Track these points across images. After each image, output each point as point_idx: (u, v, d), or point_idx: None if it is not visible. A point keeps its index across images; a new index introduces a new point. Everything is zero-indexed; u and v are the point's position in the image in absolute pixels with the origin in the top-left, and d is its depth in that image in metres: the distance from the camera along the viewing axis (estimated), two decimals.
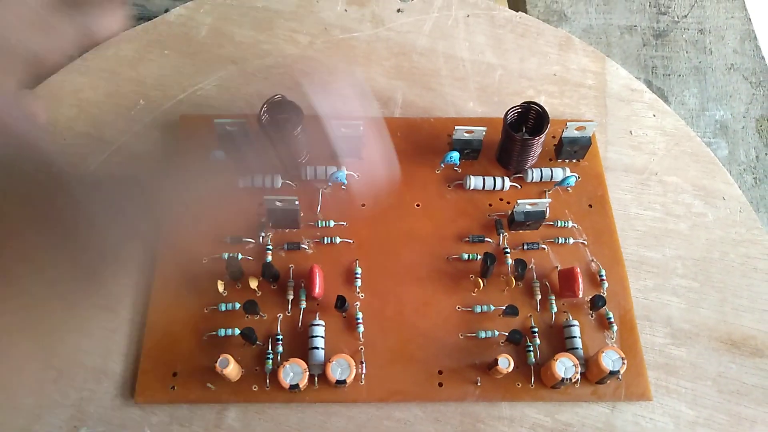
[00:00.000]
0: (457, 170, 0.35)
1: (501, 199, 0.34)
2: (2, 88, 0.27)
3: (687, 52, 0.44)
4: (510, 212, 0.33)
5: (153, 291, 0.31)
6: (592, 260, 0.33)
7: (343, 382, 0.28)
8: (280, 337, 0.30)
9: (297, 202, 0.30)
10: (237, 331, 0.29)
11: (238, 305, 0.30)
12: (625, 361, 0.28)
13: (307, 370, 0.28)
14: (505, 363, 0.28)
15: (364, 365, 0.30)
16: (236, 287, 0.31)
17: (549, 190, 0.35)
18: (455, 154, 0.34)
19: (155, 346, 0.30)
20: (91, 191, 0.26)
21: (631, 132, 0.38)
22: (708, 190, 0.36)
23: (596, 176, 0.36)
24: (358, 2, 0.42)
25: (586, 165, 0.36)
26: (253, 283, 0.31)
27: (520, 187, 0.35)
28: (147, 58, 0.39)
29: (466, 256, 0.32)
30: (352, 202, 0.34)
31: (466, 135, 0.34)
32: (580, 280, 0.31)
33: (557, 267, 0.33)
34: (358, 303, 0.31)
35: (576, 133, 0.34)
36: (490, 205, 0.34)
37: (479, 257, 0.32)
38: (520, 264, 0.31)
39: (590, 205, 0.35)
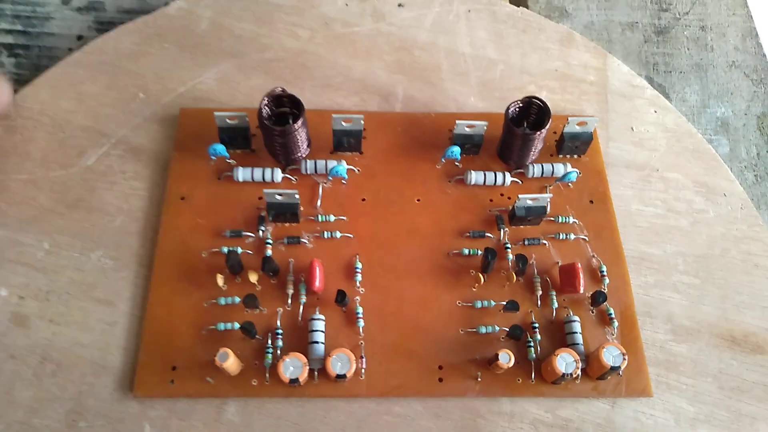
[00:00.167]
0: (458, 165, 0.35)
1: (502, 195, 0.34)
2: None
3: (688, 49, 0.44)
4: (511, 207, 0.33)
5: (152, 284, 0.31)
6: (593, 256, 0.33)
7: (343, 376, 0.28)
8: (280, 331, 0.30)
9: (297, 195, 0.30)
10: (236, 325, 0.29)
11: (237, 299, 0.30)
12: (626, 357, 0.28)
13: (307, 364, 0.28)
14: (506, 358, 0.28)
15: (364, 360, 0.29)
16: (236, 281, 0.31)
17: (550, 186, 0.35)
18: (456, 149, 0.33)
19: (154, 339, 0.29)
20: None
21: (632, 128, 0.38)
22: (709, 187, 0.36)
23: (597, 172, 0.36)
24: None
25: (587, 161, 0.36)
26: (253, 277, 0.30)
27: (521, 182, 0.35)
28: (147, 51, 0.39)
29: (466, 251, 0.32)
30: (352, 196, 0.34)
31: (467, 129, 0.34)
32: (581, 275, 0.31)
33: (558, 262, 0.33)
34: (358, 297, 0.31)
35: (577, 129, 0.34)
36: (491, 200, 0.34)
37: (480, 252, 0.32)
38: (521, 259, 0.31)
39: (591, 201, 0.35)
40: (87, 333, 0.30)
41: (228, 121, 0.33)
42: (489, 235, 0.33)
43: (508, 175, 0.34)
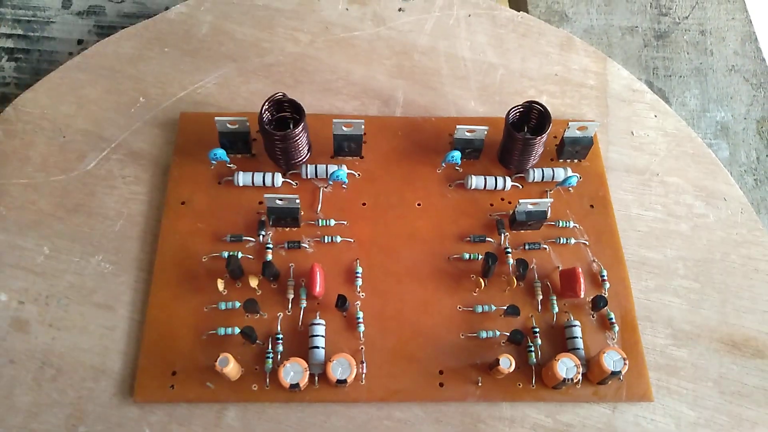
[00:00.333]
0: (458, 170, 0.35)
1: (502, 199, 0.34)
2: None
3: (688, 54, 0.44)
4: (511, 212, 0.33)
5: (152, 289, 0.31)
6: (594, 260, 0.33)
7: (344, 381, 0.28)
8: (281, 336, 0.30)
9: (298, 200, 0.30)
10: (237, 330, 0.29)
11: (238, 304, 0.30)
12: (627, 362, 0.28)
13: (308, 369, 0.28)
14: (507, 363, 0.28)
15: (364, 365, 0.29)
16: (236, 286, 0.31)
17: (550, 190, 0.35)
18: (457, 154, 0.33)
19: (154, 344, 0.29)
20: None
21: (632, 132, 0.38)
22: (709, 191, 0.36)
23: (598, 176, 0.36)
24: (359, 1, 0.42)
25: (588, 165, 0.36)
26: (254, 282, 0.30)
27: (521, 187, 0.35)
28: (147, 56, 0.39)
29: (467, 255, 0.32)
30: (353, 200, 0.34)
31: (468, 134, 0.34)
32: (582, 280, 0.31)
33: (558, 267, 0.33)
34: (358, 302, 0.31)
35: (578, 133, 0.34)
36: (492, 204, 0.34)
37: (480, 257, 0.32)
38: (522, 264, 0.31)
39: (592, 206, 0.35)
40: (87, 337, 0.30)
41: (228, 125, 0.33)
42: (489, 239, 0.33)
43: (508, 179, 0.34)
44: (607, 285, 0.32)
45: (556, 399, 0.30)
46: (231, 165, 0.34)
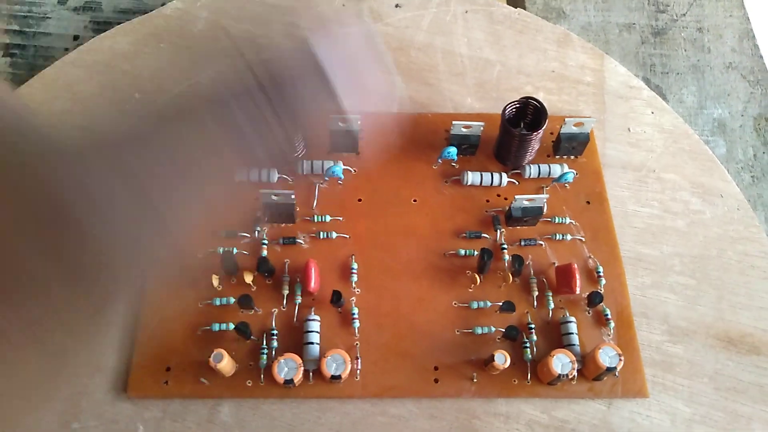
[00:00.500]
0: (454, 166, 0.35)
1: (498, 195, 0.34)
2: None
3: (685, 51, 0.44)
4: (507, 208, 0.33)
5: (147, 285, 0.31)
6: (590, 257, 0.33)
7: (338, 377, 0.28)
8: (275, 332, 0.30)
9: (293, 196, 0.30)
10: (231, 326, 0.29)
11: (232, 300, 0.30)
12: (622, 358, 0.28)
13: (302, 365, 0.28)
14: (502, 359, 0.28)
15: (359, 361, 0.29)
16: (231, 282, 0.31)
17: (547, 187, 0.35)
18: (453, 150, 0.33)
19: (149, 340, 0.29)
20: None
21: (629, 129, 0.38)
22: (706, 188, 0.36)
23: (594, 173, 0.35)
24: None
25: (584, 161, 0.36)
26: (248, 278, 0.30)
27: (517, 183, 0.35)
28: (143, 52, 0.39)
29: (463, 251, 0.32)
30: (348, 196, 0.34)
31: (464, 130, 0.34)
32: (578, 276, 0.31)
33: (554, 263, 0.32)
34: (353, 298, 0.31)
35: (574, 129, 0.34)
36: (488, 200, 0.34)
37: (476, 253, 0.32)
38: (517, 260, 0.31)
39: (588, 202, 0.35)
40: None
41: None
42: (485, 235, 0.33)
43: (504, 175, 0.34)
44: (603, 281, 0.32)
45: (552, 395, 0.30)
46: None
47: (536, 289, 0.32)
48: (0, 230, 0.18)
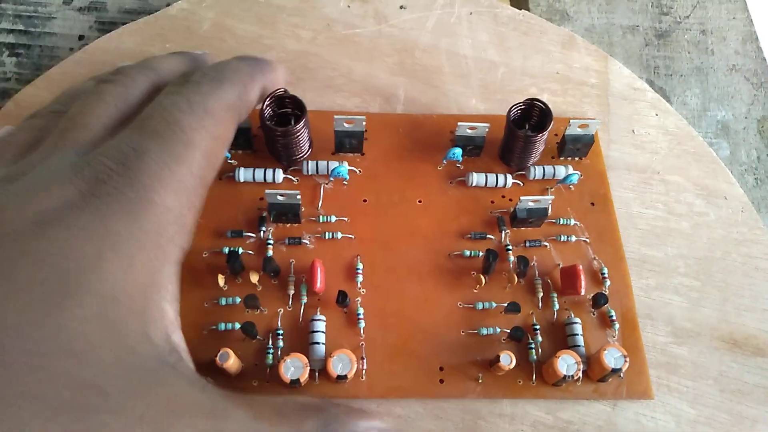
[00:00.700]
0: (459, 167, 0.35)
1: (503, 196, 0.34)
2: None
3: (689, 53, 0.44)
4: (512, 209, 0.33)
5: None
6: (594, 258, 0.33)
7: (344, 377, 0.28)
8: (281, 331, 0.30)
9: (299, 196, 0.30)
10: (237, 326, 0.29)
11: (238, 299, 0.30)
12: (628, 359, 0.28)
13: (308, 365, 0.28)
14: (507, 359, 0.28)
15: (365, 361, 0.29)
16: (237, 281, 0.31)
17: (551, 188, 0.35)
18: (458, 151, 0.33)
19: None
20: None
21: (633, 131, 0.38)
22: (710, 190, 0.36)
23: (599, 174, 0.36)
24: None
25: (589, 163, 0.36)
26: (254, 278, 0.30)
27: (522, 184, 0.35)
28: (148, 52, 0.39)
29: (468, 252, 0.32)
30: (353, 197, 0.34)
31: (469, 131, 0.34)
32: (582, 277, 0.31)
33: (559, 264, 0.33)
34: (359, 298, 0.31)
35: (579, 131, 0.34)
36: (492, 202, 0.34)
37: (481, 254, 0.32)
38: (522, 261, 0.31)
39: (592, 203, 0.35)
40: None
41: None
42: (490, 236, 0.33)
43: (509, 177, 0.34)
44: (608, 282, 0.32)
45: (557, 396, 0.30)
46: (232, 161, 0.34)
47: (541, 290, 0.32)
48: None
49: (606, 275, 0.32)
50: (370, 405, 0.29)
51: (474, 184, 0.34)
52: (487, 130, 0.34)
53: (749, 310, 0.33)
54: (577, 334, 0.30)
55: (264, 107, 0.31)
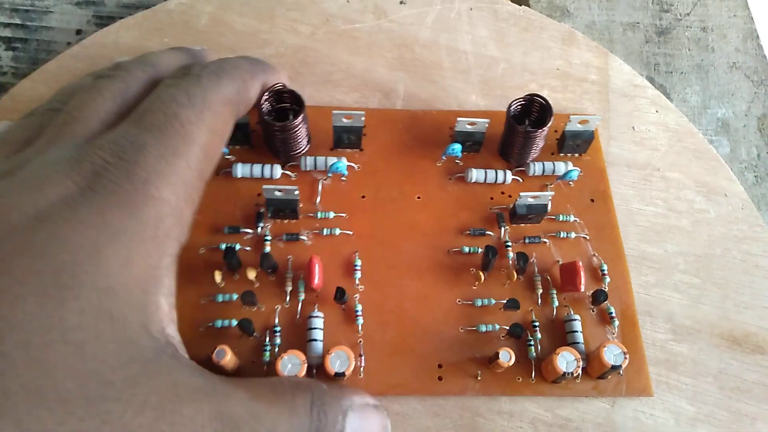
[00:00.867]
0: (458, 163, 0.35)
1: (503, 193, 0.34)
2: None
3: (689, 50, 0.44)
4: (512, 205, 0.33)
5: None
6: (594, 255, 0.33)
7: (342, 374, 0.27)
8: (278, 328, 0.29)
9: (297, 192, 0.30)
10: (234, 322, 0.29)
11: (235, 296, 0.30)
12: (627, 356, 0.28)
13: (306, 361, 0.27)
14: (506, 356, 0.28)
15: (363, 358, 0.29)
16: (234, 278, 0.31)
17: (551, 184, 0.35)
18: (457, 146, 0.33)
19: None
20: None
21: (633, 127, 0.38)
22: (710, 187, 0.36)
23: (598, 171, 0.35)
24: None
25: (589, 159, 0.36)
26: (251, 274, 0.30)
27: (522, 180, 0.35)
28: (146, 46, 0.39)
29: (467, 249, 0.32)
30: (352, 193, 0.33)
31: (469, 127, 0.33)
32: (582, 274, 0.30)
33: (559, 261, 0.32)
34: (357, 295, 0.31)
35: (579, 127, 0.34)
36: (492, 198, 0.34)
37: (480, 250, 0.32)
38: (522, 257, 0.31)
39: (592, 200, 0.34)
40: None
41: None
42: (489, 233, 0.33)
43: (509, 173, 0.34)
44: (608, 279, 0.32)
45: (556, 393, 0.29)
46: (229, 156, 0.34)
47: (540, 286, 0.31)
48: None
49: (605, 272, 0.32)
50: None
51: (473, 180, 0.34)
52: (486, 125, 0.34)
53: (749, 308, 0.33)
54: (577, 331, 0.30)
55: (262, 102, 0.31)
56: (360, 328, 0.30)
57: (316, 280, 0.30)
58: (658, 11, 0.45)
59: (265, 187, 0.30)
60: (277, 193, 0.30)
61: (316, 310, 0.30)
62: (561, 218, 0.33)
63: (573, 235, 0.33)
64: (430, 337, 0.30)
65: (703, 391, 0.30)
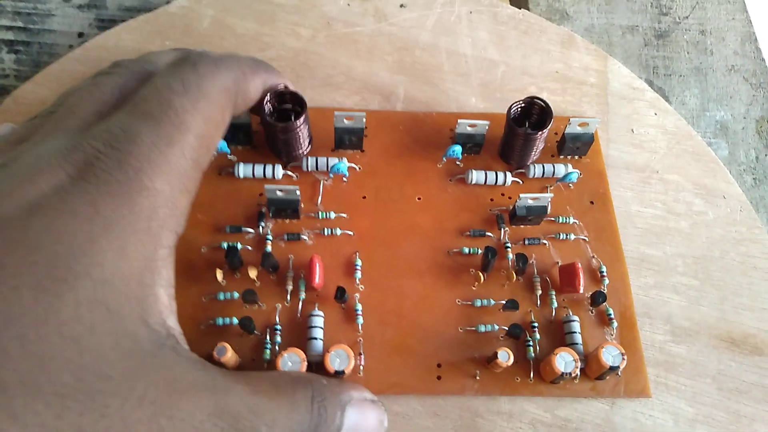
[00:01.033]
0: (459, 164, 0.35)
1: (503, 194, 0.34)
2: None
3: (688, 53, 0.44)
4: (511, 207, 0.33)
5: None
6: (593, 256, 0.33)
7: (342, 372, 0.28)
8: (279, 327, 0.30)
9: (298, 192, 0.30)
10: (235, 321, 0.29)
11: (236, 294, 0.30)
12: (625, 357, 0.28)
13: (306, 359, 0.27)
14: (505, 356, 0.28)
15: (362, 357, 0.29)
16: (235, 277, 0.31)
17: (551, 186, 0.35)
18: (458, 148, 0.33)
19: None
20: None
21: (632, 130, 0.38)
22: (709, 189, 0.36)
23: (598, 173, 0.36)
24: None
25: (588, 162, 0.36)
26: (253, 273, 0.30)
27: (521, 182, 0.35)
28: (148, 49, 0.39)
29: (467, 249, 0.32)
30: (353, 194, 0.34)
31: (469, 129, 0.34)
32: (581, 275, 0.31)
33: (558, 262, 0.33)
34: (357, 295, 0.31)
35: (579, 130, 0.34)
36: (492, 199, 0.34)
37: (480, 251, 0.32)
38: (521, 259, 0.31)
39: (592, 202, 0.35)
40: None
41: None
42: (489, 234, 0.33)
43: (509, 174, 0.34)
44: (606, 281, 0.32)
45: (554, 394, 0.30)
46: (232, 156, 0.34)
47: (540, 287, 0.32)
48: None
49: (604, 273, 0.32)
50: None
51: (473, 182, 0.34)
52: (487, 127, 0.34)
53: (747, 309, 0.33)
54: (575, 332, 0.30)
55: (264, 103, 0.31)
56: (360, 327, 0.30)
57: (317, 280, 0.30)
58: (657, 14, 0.46)
59: (266, 187, 0.30)
60: (279, 193, 0.30)
61: (316, 309, 0.30)
62: (560, 220, 0.34)
63: (572, 236, 0.33)
64: (430, 336, 0.30)
65: (702, 392, 0.31)
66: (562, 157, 0.36)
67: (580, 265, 0.31)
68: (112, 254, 0.21)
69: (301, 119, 0.31)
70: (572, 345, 0.30)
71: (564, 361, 0.28)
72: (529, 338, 0.30)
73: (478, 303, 0.31)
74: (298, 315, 0.30)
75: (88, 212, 0.21)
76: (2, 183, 0.21)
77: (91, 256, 0.20)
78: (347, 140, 0.34)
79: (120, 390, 0.19)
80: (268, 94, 0.31)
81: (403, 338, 0.30)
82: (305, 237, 0.32)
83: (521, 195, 0.31)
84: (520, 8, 0.43)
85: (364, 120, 0.33)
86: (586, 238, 0.33)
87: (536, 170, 0.34)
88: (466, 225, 0.33)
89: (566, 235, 0.33)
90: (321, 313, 0.30)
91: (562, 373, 0.28)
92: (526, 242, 0.33)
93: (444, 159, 0.35)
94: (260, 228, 0.32)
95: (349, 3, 0.42)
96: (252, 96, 0.29)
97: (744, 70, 0.43)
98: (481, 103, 0.38)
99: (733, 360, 0.31)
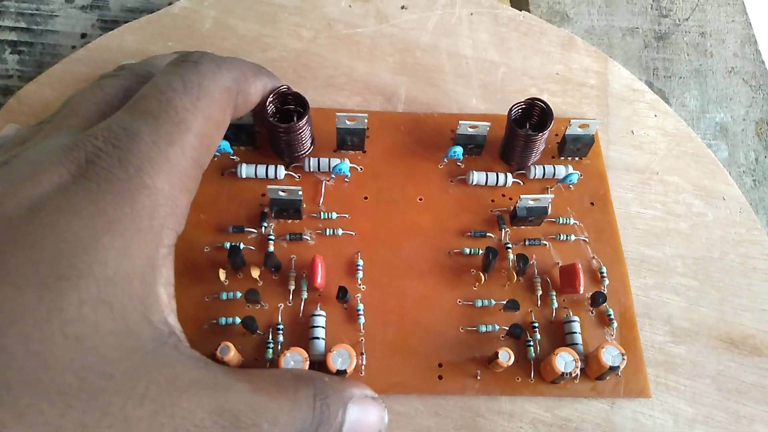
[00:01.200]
0: (460, 165, 0.35)
1: (503, 195, 0.35)
2: None
3: (688, 55, 0.44)
4: (512, 208, 0.33)
5: None
6: (593, 257, 0.33)
7: (344, 372, 0.28)
8: (281, 326, 0.30)
9: (300, 192, 0.30)
10: (238, 320, 0.29)
11: (239, 294, 0.30)
12: (625, 357, 0.28)
13: (308, 359, 0.28)
14: (506, 356, 0.28)
15: (364, 356, 0.29)
16: (238, 276, 0.31)
17: (551, 187, 0.35)
18: (459, 149, 0.34)
19: None
20: None
21: (632, 132, 0.38)
22: (708, 191, 0.36)
23: (598, 174, 0.36)
24: None
25: (589, 163, 0.36)
26: (255, 273, 0.30)
27: (522, 183, 0.35)
28: (150, 50, 0.39)
29: (467, 250, 0.32)
30: (354, 194, 0.34)
31: (470, 130, 0.34)
32: (581, 276, 0.31)
33: (558, 263, 0.33)
34: (359, 295, 0.31)
35: (579, 131, 0.34)
36: (493, 200, 0.34)
37: (481, 252, 0.32)
38: (522, 259, 0.31)
39: (592, 203, 0.35)
40: None
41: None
42: (490, 234, 0.33)
43: (509, 175, 0.35)
44: (607, 282, 0.32)
45: (555, 394, 0.30)
46: (234, 157, 0.34)
47: (540, 288, 0.32)
48: None
49: (605, 274, 0.32)
50: None
51: (474, 183, 0.34)
52: (488, 128, 0.34)
53: (747, 310, 0.33)
54: (576, 332, 0.31)
55: (267, 104, 0.31)
56: (361, 327, 0.30)
57: (319, 280, 0.30)
58: (657, 16, 0.46)
59: (269, 187, 0.30)
60: (281, 194, 0.31)
61: (318, 309, 0.30)
62: (561, 221, 0.34)
63: (573, 237, 0.33)
64: (431, 336, 0.30)
65: (702, 392, 0.31)
66: (562, 158, 0.36)
67: (580, 265, 0.31)
68: (114, 252, 0.21)
69: (304, 120, 0.32)
70: (572, 345, 0.30)
71: (564, 361, 0.28)
72: (530, 338, 0.30)
73: (479, 303, 0.31)
74: (300, 315, 0.30)
75: (91, 210, 0.21)
76: (4, 181, 0.21)
77: (94, 254, 0.20)
78: (349, 141, 0.34)
79: (122, 388, 0.19)
80: (271, 95, 0.31)
81: (405, 338, 0.30)
82: (307, 237, 0.32)
83: (522, 196, 0.32)
84: (520, 10, 0.43)
85: (366, 121, 0.33)
86: (587, 239, 0.34)
87: (537, 171, 0.35)
88: (467, 226, 0.33)
89: (567, 235, 0.33)
90: (323, 313, 0.30)
91: (563, 373, 0.28)
92: (527, 243, 0.33)
93: (445, 160, 0.35)
94: (263, 228, 0.32)
95: (351, 4, 0.42)
96: (253, 98, 0.29)
97: (744, 72, 0.44)
98: (481, 104, 0.39)
99: (732, 360, 0.32)
